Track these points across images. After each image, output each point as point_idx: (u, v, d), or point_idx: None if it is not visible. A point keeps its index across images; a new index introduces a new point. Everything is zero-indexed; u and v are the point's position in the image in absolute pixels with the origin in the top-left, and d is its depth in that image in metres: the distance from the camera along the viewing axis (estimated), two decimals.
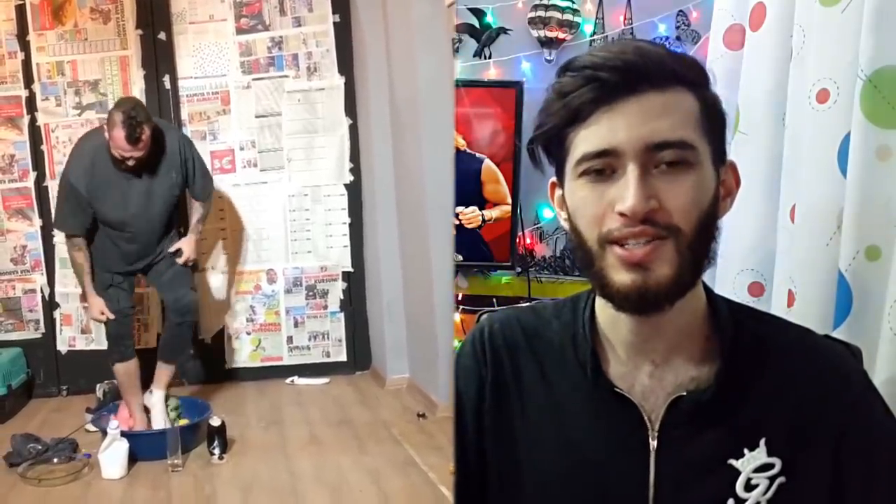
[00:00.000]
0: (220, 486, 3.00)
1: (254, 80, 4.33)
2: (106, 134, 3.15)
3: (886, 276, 1.52)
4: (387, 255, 4.16)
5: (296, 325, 4.47)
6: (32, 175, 4.22)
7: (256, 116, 4.35)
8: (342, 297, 4.47)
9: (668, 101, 0.98)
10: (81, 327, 4.30)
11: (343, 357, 4.50)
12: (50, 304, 4.29)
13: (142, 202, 3.33)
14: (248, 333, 4.46)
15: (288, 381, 4.37)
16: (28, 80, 4.20)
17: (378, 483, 2.95)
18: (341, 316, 4.48)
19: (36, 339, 4.28)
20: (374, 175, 4.20)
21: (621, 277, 0.99)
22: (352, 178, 4.42)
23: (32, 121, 4.22)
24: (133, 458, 3.15)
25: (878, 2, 1.48)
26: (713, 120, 1.02)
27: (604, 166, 0.99)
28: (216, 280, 4.41)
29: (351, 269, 4.48)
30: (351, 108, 4.38)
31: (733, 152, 1.13)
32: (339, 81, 4.35)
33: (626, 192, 0.96)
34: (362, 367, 4.51)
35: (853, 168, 1.53)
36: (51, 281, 4.28)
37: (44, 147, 4.22)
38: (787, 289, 1.76)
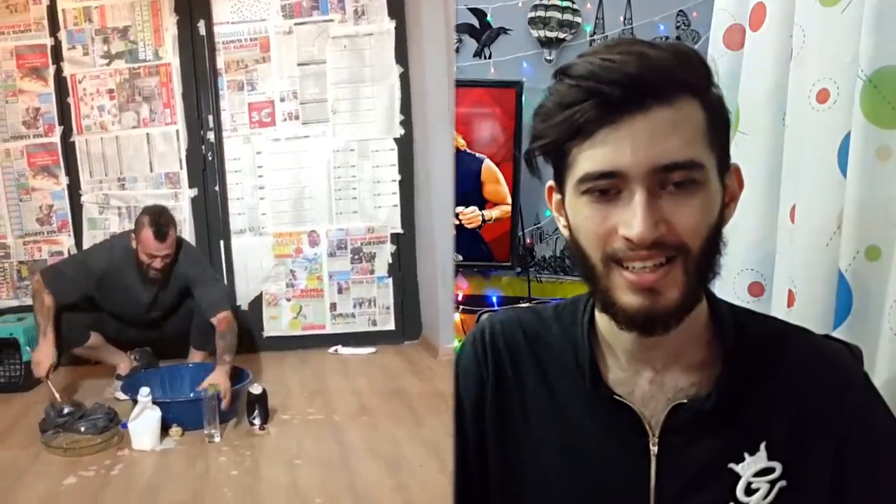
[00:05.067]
0: (263, 459, 2.71)
1: (296, 24, 4.05)
2: (132, 242, 3.27)
3: (886, 276, 1.55)
4: (440, 215, 3.84)
5: (340, 291, 4.21)
6: (59, 130, 4.04)
7: (298, 64, 4.06)
8: (390, 261, 4.20)
9: (675, 117, 0.94)
10: None
11: (391, 325, 4.23)
12: None
13: (152, 310, 3.47)
14: (289, 300, 4.21)
15: (331, 350, 4.11)
16: (53, 28, 4.01)
17: (439, 457, 2.64)
18: (389, 281, 4.21)
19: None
20: (427, 128, 3.89)
21: (629, 299, 0.98)
22: (402, 131, 4.11)
23: (58, 71, 4.02)
24: (165, 428, 2.89)
25: (878, 2, 1.50)
26: (719, 126, 1.00)
27: (608, 187, 0.96)
28: (254, 242, 4.15)
29: (400, 231, 4.18)
30: (402, 54, 4.07)
31: (733, 152, 1.06)
32: (390, 26, 4.04)
33: (634, 218, 0.94)
34: (412, 336, 4.23)
35: (853, 168, 1.55)
36: (79, 242, 4.08)
37: (70, 99, 4.03)
38: (787, 289, 1.79)
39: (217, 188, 4.08)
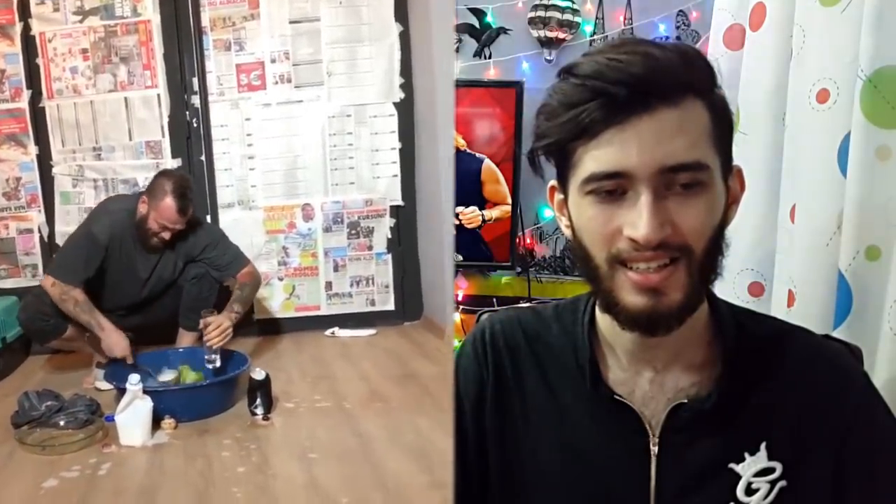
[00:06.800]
0: (272, 453, 2.44)
1: None
2: (141, 206, 3.08)
3: (886, 276, 1.58)
4: (445, 186, 3.61)
5: (336, 268, 4.00)
6: (27, 94, 3.79)
7: (290, 22, 3.85)
8: (390, 237, 4.00)
9: (681, 118, 0.96)
10: None
11: (390, 305, 4.04)
12: (49, 247, 3.83)
13: (146, 286, 3.26)
14: (281, 279, 3.99)
15: (328, 332, 3.89)
16: None
17: None
18: (389, 258, 4.01)
19: (33, 286, 3.65)
20: (431, 92, 3.67)
21: (633, 299, 1.00)
22: (403, 95, 3.92)
23: (26, 29, 3.76)
24: (157, 420, 2.61)
25: (878, 2, 1.53)
26: (723, 128, 1.01)
27: (614, 187, 0.97)
28: (243, 217, 3.92)
29: (401, 203, 3.99)
30: (402, 11, 3.87)
31: (733, 152, 1.06)
32: None
33: (639, 219, 0.95)
34: (412, 316, 4.03)
35: (853, 168, 1.58)
36: (50, 219, 3.85)
37: (39, 60, 3.78)
38: (787, 289, 1.81)
39: (202, 158, 3.87)
